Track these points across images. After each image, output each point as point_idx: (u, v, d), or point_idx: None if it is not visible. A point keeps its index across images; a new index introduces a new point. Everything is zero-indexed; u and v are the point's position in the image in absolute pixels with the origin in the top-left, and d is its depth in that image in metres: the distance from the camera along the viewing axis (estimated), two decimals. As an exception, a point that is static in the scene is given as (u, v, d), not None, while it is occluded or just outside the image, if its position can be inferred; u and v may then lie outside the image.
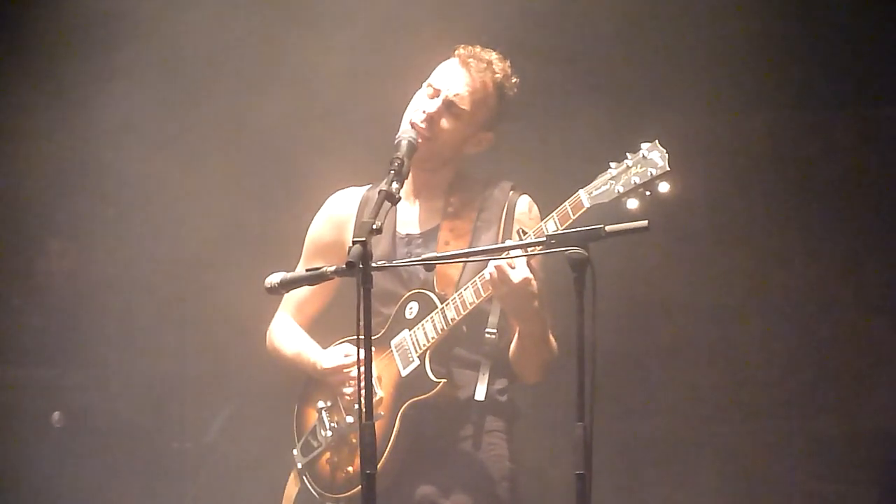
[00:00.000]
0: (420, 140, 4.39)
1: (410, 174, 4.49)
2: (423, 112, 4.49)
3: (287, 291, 4.24)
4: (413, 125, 4.47)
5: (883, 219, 6.50)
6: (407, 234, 4.58)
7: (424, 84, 4.56)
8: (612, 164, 4.19)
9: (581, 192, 4.21)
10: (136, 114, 6.63)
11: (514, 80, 4.56)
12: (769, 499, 6.56)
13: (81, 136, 6.95)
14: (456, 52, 4.55)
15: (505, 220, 4.50)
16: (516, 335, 4.36)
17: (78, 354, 6.98)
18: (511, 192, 4.56)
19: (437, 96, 4.51)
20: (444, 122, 4.48)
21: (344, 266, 3.77)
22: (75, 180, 7.05)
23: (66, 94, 6.66)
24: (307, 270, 4.17)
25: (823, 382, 6.55)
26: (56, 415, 6.64)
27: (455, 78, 4.51)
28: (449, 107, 4.48)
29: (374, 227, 3.83)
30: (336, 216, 4.68)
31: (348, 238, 4.46)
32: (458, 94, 4.48)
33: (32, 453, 6.65)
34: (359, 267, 3.72)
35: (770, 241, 6.60)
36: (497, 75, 4.51)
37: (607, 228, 3.71)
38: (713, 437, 6.61)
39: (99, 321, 7.03)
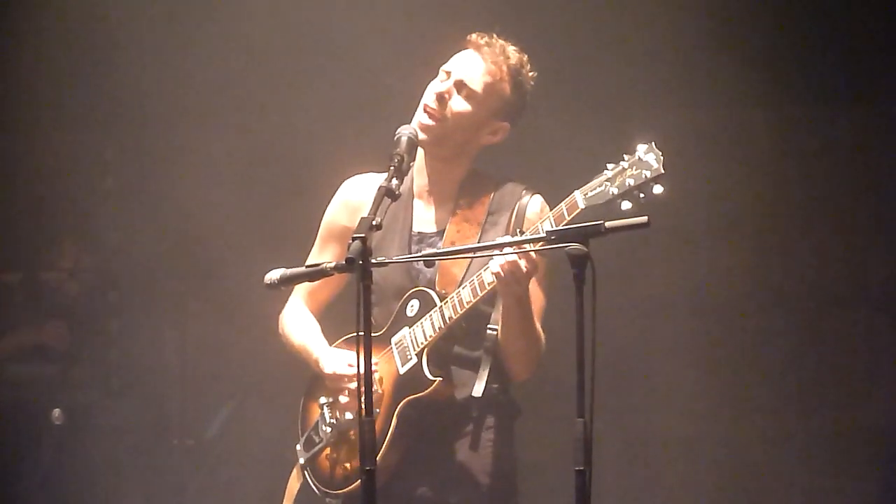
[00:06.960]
0: (432, 122, 4.41)
1: (426, 165, 4.54)
2: (435, 93, 4.47)
3: (286, 287, 4.23)
4: (425, 107, 4.45)
5: (885, 215, 6.51)
6: (419, 233, 4.55)
7: (440, 72, 4.54)
8: (609, 166, 4.17)
9: (577, 192, 4.19)
10: (148, 107, 6.68)
11: (530, 72, 4.51)
12: (770, 494, 6.56)
13: (90, 131, 6.98)
14: (469, 38, 4.52)
15: (515, 221, 4.45)
16: (500, 316, 4.35)
17: (78, 351, 6.98)
18: (523, 192, 4.51)
19: (449, 78, 4.48)
20: (456, 103, 4.44)
21: (343, 262, 3.77)
22: (76, 178, 7.06)
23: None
24: (307, 266, 4.14)
25: (824, 379, 6.56)
26: (56, 412, 6.64)
27: (468, 61, 4.48)
28: (460, 88, 4.45)
29: (374, 223, 3.82)
30: (351, 201, 4.60)
31: None
32: (469, 76, 4.45)
33: (33, 450, 6.65)
34: (358, 263, 3.72)
35: (771, 237, 6.61)
36: (511, 61, 4.46)
37: (607, 224, 3.69)
38: (713, 433, 6.62)
39: (99, 318, 7.03)
